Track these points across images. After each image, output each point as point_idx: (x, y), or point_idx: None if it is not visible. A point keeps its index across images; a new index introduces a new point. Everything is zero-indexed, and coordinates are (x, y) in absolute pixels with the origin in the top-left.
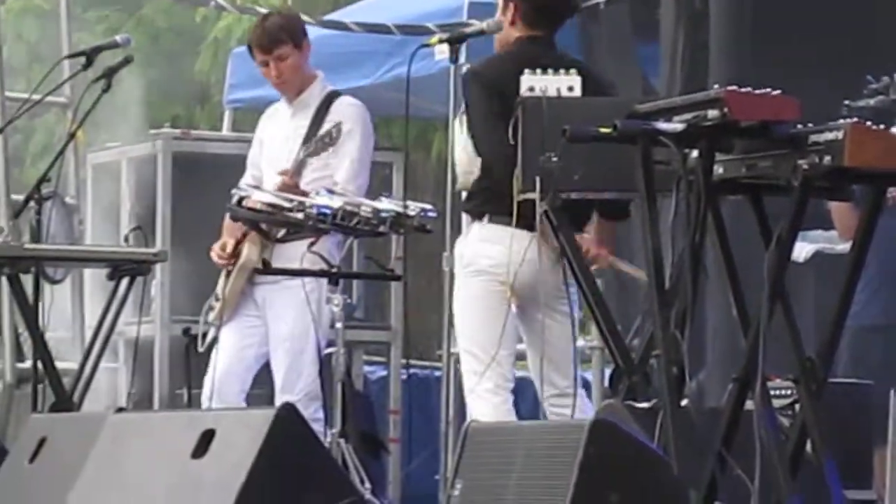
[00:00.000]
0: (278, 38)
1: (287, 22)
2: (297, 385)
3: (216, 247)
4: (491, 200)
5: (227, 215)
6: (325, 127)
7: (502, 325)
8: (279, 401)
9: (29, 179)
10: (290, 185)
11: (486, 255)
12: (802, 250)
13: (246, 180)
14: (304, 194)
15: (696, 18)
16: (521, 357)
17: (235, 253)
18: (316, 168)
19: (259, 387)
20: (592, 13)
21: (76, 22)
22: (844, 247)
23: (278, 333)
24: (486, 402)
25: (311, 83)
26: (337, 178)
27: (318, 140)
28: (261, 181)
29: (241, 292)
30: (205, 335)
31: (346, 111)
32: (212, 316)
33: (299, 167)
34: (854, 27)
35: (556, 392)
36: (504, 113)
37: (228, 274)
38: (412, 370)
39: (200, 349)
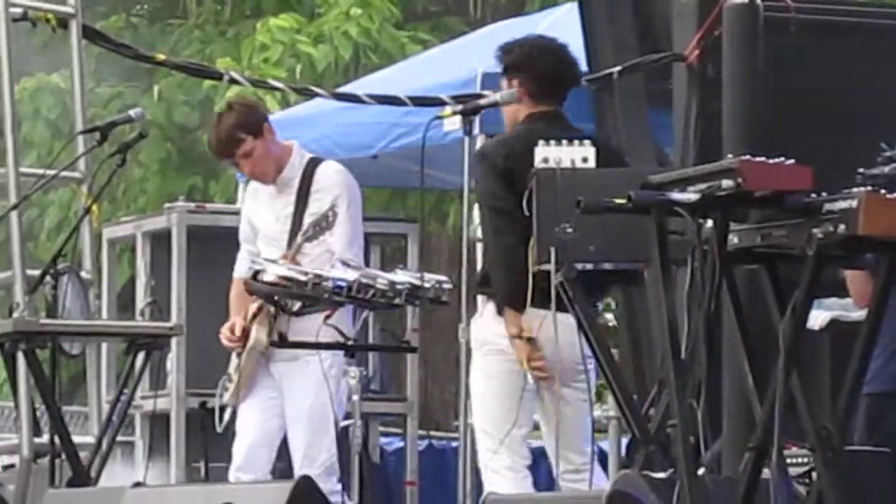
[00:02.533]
0: (235, 139)
1: (238, 118)
2: (316, 460)
3: (225, 329)
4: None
5: (232, 293)
6: (317, 206)
7: (517, 405)
8: (298, 475)
9: (44, 254)
10: None
11: (502, 334)
12: (818, 318)
13: (242, 257)
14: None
15: (709, 86)
16: (536, 426)
17: (244, 334)
18: (314, 245)
19: (279, 460)
20: (606, 83)
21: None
22: (860, 314)
23: (296, 409)
24: (504, 478)
25: (289, 157)
26: (334, 249)
27: (315, 225)
28: (258, 256)
29: (258, 367)
30: (222, 412)
31: (333, 181)
32: (227, 396)
33: (298, 250)
34: (869, 95)
35: (571, 468)
36: (511, 195)
37: (239, 354)
38: (429, 441)
39: (219, 429)
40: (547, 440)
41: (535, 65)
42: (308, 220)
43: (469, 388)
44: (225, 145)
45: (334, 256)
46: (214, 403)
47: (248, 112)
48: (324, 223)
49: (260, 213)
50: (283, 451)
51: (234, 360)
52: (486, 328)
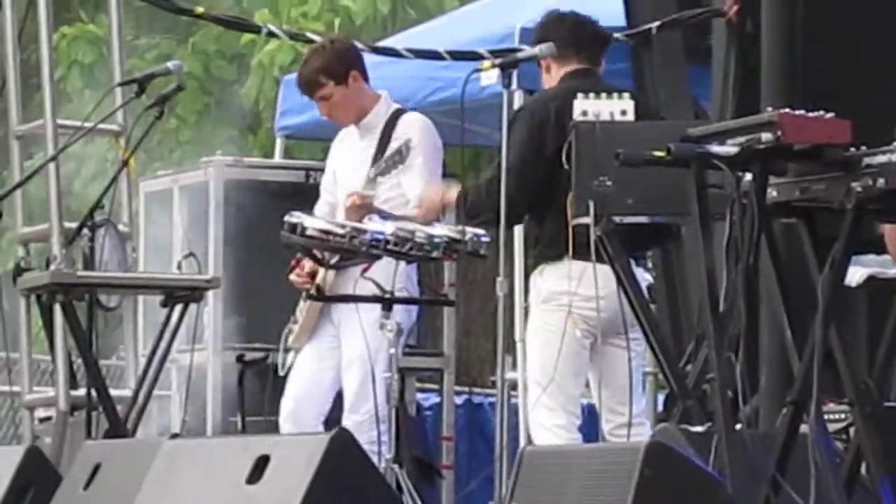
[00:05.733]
0: (316, 82)
1: (324, 61)
2: (362, 407)
3: (291, 267)
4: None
5: None
6: (394, 145)
7: (578, 363)
8: (346, 421)
9: (80, 206)
10: (361, 204)
11: (564, 290)
12: (855, 274)
13: (320, 207)
14: (377, 212)
15: (747, 42)
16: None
17: (312, 273)
18: (389, 187)
19: (334, 409)
20: (644, 39)
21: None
22: None
23: (350, 354)
24: (558, 437)
25: (375, 104)
26: (410, 196)
27: (387, 158)
28: (335, 207)
29: (319, 314)
30: (286, 354)
31: (413, 126)
32: (291, 339)
33: (371, 187)
34: None
35: (622, 422)
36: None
37: (309, 296)
38: (465, 396)
39: (281, 372)
40: (596, 394)
41: (553, 31)
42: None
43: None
44: (305, 85)
45: (410, 203)
46: (250, 357)
47: (338, 57)
48: (396, 157)
49: (342, 160)
50: (341, 398)
51: (300, 303)
52: (548, 284)
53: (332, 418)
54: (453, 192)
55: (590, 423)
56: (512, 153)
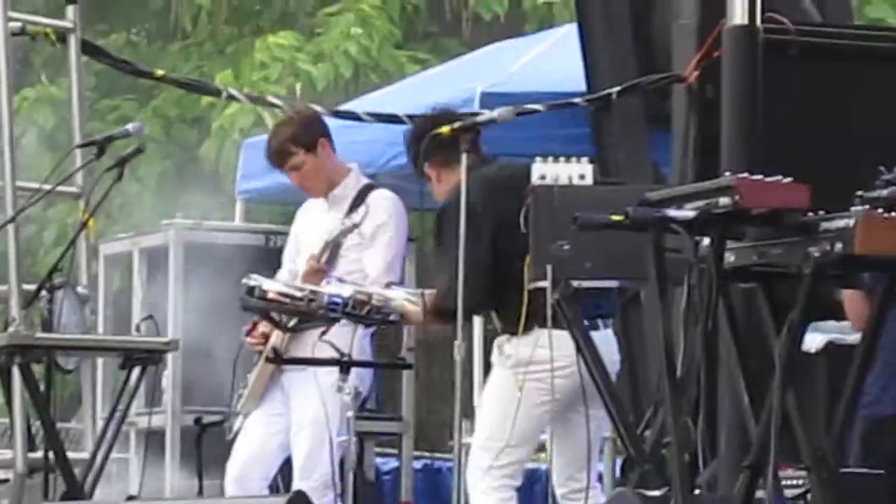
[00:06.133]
0: (286, 152)
1: (294, 130)
2: (314, 472)
3: (247, 331)
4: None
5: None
6: (357, 216)
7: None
8: (296, 486)
9: (43, 270)
10: (319, 268)
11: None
12: (814, 341)
13: (282, 276)
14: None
15: (707, 107)
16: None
17: (266, 335)
18: (350, 261)
19: (281, 473)
20: (605, 104)
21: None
22: (856, 337)
23: (300, 419)
24: (490, 499)
25: (346, 176)
26: (369, 272)
27: (345, 221)
28: (297, 276)
29: (269, 379)
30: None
31: (381, 204)
32: (240, 404)
33: (332, 251)
34: (867, 118)
35: (577, 487)
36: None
37: (267, 359)
38: (424, 461)
39: (229, 436)
40: (557, 459)
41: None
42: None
43: (464, 403)
44: (276, 155)
45: (368, 279)
46: (208, 420)
47: (306, 126)
48: (356, 217)
49: (306, 230)
50: (287, 464)
51: (255, 368)
52: (519, 350)
53: (278, 484)
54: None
55: (536, 487)
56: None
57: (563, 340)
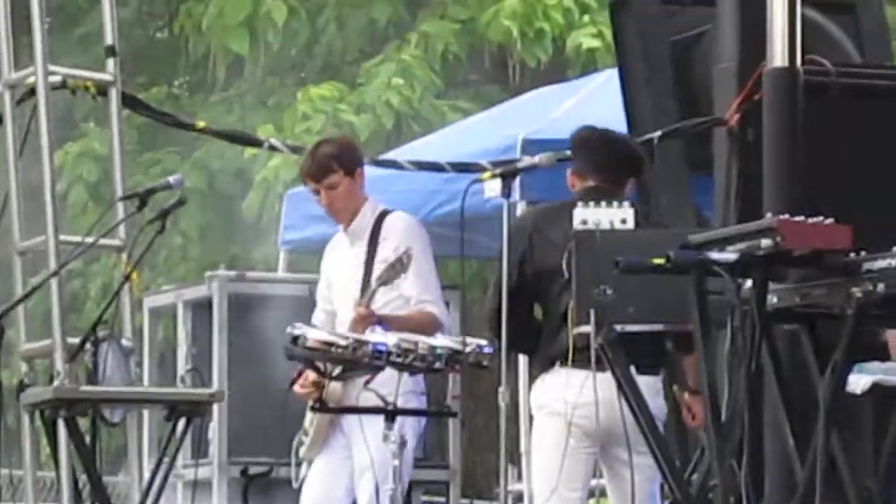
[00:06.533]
0: (328, 167)
1: (339, 150)
2: None
3: (293, 379)
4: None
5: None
6: (385, 253)
7: (571, 466)
8: None
9: (88, 324)
10: (367, 314)
11: (558, 398)
12: (860, 382)
13: (317, 316)
14: (382, 320)
15: (748, 150)
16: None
17: (315, 383)
18: (385, 290)
19: None
20: (647, 149)
21: (132, 165)
22: None
23: (362, 463)
24: None
25: (363, 206)
26: (410, 294)
27: (390, 268)
28: (333, 315)
29: (329, 424)
30: (298, 467)
31: (399, 228)
32: (302, 451)
33: (372, 296)
34: None
35: None
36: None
37: (313, 408)
38: None
39: (295, 485)
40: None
41: (578, 149)
42: (379, 267)
43: (510, 449)
44: (317, 169)
45: (412, 301)
46: (255, 470)
47: (349, 149)
48: (398, 266)
49: (334, 267)
50: None
51: (308, 415)
52: (544, 392)
53: None
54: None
55: None
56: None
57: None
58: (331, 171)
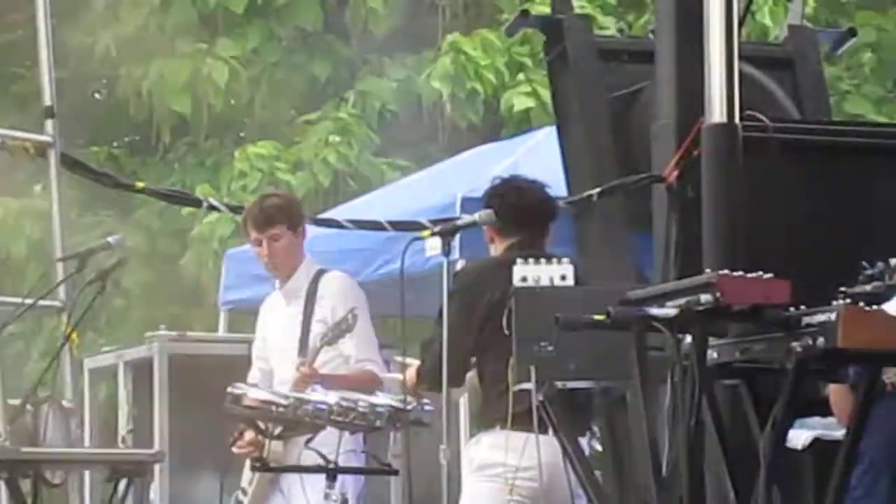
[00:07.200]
0: (273, 218)
1: (285, 204)
2: None
3: (233, 440)
4: (491, 407)
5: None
6: (322, 312)
7: None
8: None
9: (30, 385)
10: (310, 374)
11: (498, 461)
12: (801, 437)
13: (253, 375)
14: (324, 379)
15: (688, 207)
16: None
17: (252, 443)
18: (325, 349)
19: None
20: (585, 206)
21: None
22: (843, 433)
23: None
24: None
25: (300, 265)
26: (350, 353)
27: (335, 327)
28: (270, 373)
29: (269, 484)
30: None
31: (336, 288)
32: None
33: (315, 355)
34: (849, 215)
35: None
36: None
37: (253, 468)
38: None
39: None
40: None
41: (494, 202)
42: (316, 326)
43: None
44: (263, 219)
45: (351, 360)
46: None
47: (295, 205)
48: (343, 325)
49: (270, 326)
50: None
51: (246, 473)
52: (482, 454)
53: None
54: (413, 368)
55: None
56: (448, 324)
57: (531, 443)
58: (276, 223)
